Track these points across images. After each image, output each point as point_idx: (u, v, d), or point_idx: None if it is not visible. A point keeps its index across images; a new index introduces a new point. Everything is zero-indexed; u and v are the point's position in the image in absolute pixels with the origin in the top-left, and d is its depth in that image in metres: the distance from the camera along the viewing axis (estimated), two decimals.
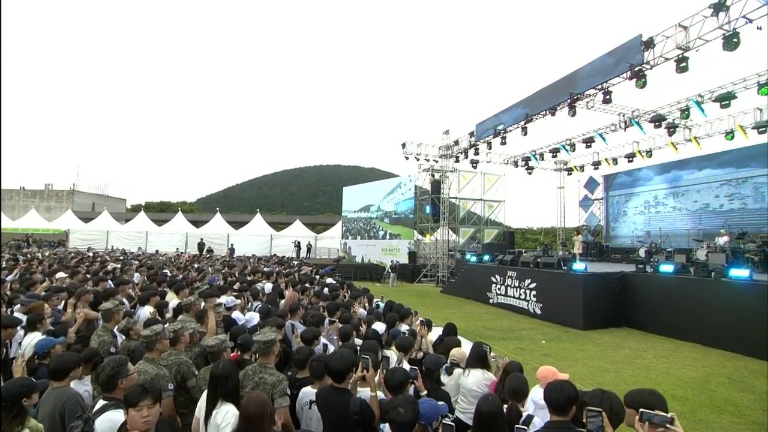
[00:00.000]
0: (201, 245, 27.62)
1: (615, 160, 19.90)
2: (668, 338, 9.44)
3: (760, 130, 14.76)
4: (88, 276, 7.94)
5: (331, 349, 3.95)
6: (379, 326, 4.13)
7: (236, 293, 6.84)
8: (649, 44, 10.54)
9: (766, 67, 10.85)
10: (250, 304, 6.62)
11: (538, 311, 11.91)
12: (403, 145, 21.34)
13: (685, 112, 14.21)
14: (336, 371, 2.52)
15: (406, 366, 3.45)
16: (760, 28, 9.02)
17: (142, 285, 8.03)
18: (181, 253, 24.18)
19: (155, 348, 2.95)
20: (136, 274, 9.86)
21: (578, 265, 11.07)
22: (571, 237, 18.67)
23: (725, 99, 12.83)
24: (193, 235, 30.10)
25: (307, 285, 8.32)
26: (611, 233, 21.36)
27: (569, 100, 13.29)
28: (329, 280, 10.34)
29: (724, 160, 16.54)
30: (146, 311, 5.02)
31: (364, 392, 2.75)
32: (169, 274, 10.68)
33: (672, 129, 15.64)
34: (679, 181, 18.18)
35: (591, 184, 22.86)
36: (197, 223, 33.98)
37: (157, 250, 24.60)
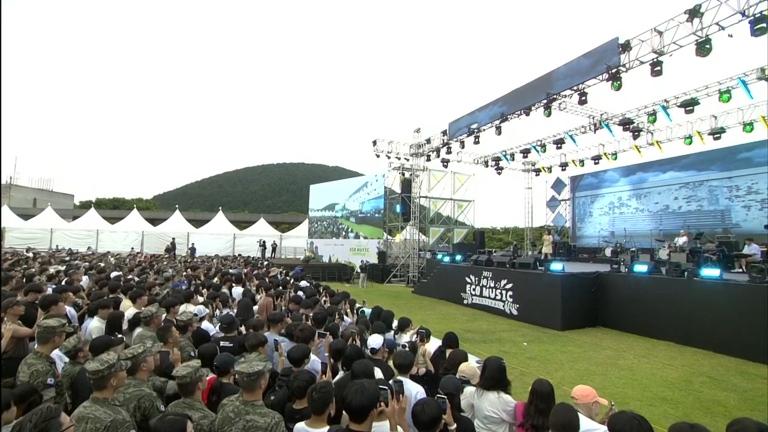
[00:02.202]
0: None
1: (582, 162, 20.39)
2: (643, 337, 9.54)
3: (716, 136, 15.57)
4: (24, 281, 6.87)
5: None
6: (375, 339, 3.60)
7: (205, 301, 6.12)
8: (626, 47, 10.67)
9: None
10: (218, 312, 5.92)
11: (515, 312, 11.80)
12: (374, 143, 20.85)
13: (652, 116, 14.68)
14: (359, 408, 1.98)
15: (415, 388, 2.98)
16: (731, 36, 9.30)
17: (89, 290, 7.07)
18: (137, 253, 22.48)
19: (108, 385, 2.21)
20: (85, 278, 8.81)
21: (556, 266, 11.02)
22: (541, 237, 18.91)
23: (689, 105, 13.34)
24: (150, 234, 28.20)
25: (281, 289, 7.65)
26: (577, 233, 21.91)
27: (545, 101, 13.32)
28: (303, 283, 9.68)
29: (685, 164, 17.30)
30: (93, 325, 4.22)
31: (379, 427, 2.25)
32: (120, 273, 9.69)
33: (636, 132, 16.17)
34: (642, 183, 18.87)
35: (558, 185, 23.39)
36: (154, 222, 31.94)
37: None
